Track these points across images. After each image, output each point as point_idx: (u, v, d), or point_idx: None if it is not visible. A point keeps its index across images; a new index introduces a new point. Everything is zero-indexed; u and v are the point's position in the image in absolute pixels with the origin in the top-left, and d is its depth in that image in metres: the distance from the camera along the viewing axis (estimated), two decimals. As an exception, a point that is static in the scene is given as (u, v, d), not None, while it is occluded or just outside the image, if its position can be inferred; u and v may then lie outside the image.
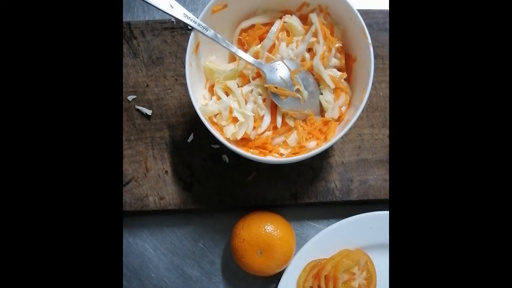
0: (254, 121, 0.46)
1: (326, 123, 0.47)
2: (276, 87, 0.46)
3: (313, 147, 0.46)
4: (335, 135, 0.45)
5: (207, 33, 0.45)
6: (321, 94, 0.48)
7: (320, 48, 0.47)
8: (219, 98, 0.47)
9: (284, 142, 0.47)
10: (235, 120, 0.46)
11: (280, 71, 0.46)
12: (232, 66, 0.49)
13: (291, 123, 0.47)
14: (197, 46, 0.46)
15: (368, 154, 0.53)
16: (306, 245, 0.51)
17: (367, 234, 0.52)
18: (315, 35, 0.47)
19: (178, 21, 0.44)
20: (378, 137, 0.53)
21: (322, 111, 0.48)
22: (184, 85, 0.45)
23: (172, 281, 0.54)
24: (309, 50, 0.48)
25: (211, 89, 0.49)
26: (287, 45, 0.47)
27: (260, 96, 0.47)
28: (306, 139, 0.47)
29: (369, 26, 0.46)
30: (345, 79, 0.48)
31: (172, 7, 0.44)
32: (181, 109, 0.54)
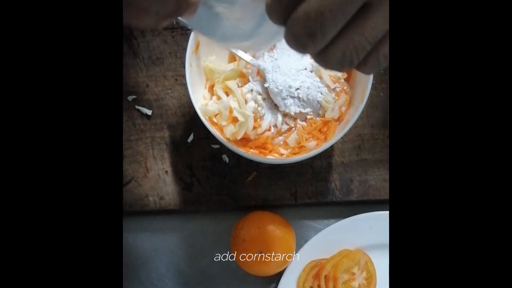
0: (254, 121, 0.46)
1: (326, 123, 0.47)
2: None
3: (313, 147, 0.46)
4: (335, 135, 0.45)
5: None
6: (321, 94, 0.48)
7: (320, 48, 0.47)
8: (219, 98, 0.47)
9: (284, 142, 0.47)
10: (235, 120, 0.46)
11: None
12: (232, 66, 0.49)
13: (291, 123, 0.47)
14: (197, 46, 0.46)
15: (368, 154, 0.53)
16: (306, 245, 0.51)
17: (367, 234, 0.52)
18: (315, 35, 0.47)
19: (178, 21, 0.44)
20: (378, 137, 0.53)
21: (322, 111, 0.48)
22: (184, 85, 0.45)
23: (172, 281, 0.54)
24: (309, 50, 0.48)
25: (211, 89, 0.49)
26: (287, 45, 0.47)
27: (260, 96, 0.47)
28: (306, 139, 0.47)
29: (369, 26, 0.46)
30: (345, 79, 0.48)
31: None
32: (181, 109, 0.54)
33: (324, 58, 0.25)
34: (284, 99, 0.46)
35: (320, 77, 0.47)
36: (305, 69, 0.47)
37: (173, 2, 0.25)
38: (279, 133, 0.47)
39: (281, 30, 0.27)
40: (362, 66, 0.25)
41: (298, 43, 0.24)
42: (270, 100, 0.47)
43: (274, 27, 0.28)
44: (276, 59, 0.47)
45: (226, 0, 0.27)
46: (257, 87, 0.47)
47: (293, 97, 0.46)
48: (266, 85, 0.46)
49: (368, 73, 0.26)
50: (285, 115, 0.47)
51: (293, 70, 0.46)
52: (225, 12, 0.28)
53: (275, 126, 0.47)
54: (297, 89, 0.46)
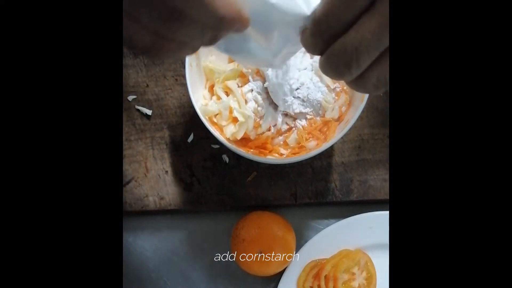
0: (254, 121, 0.46)
1: (326, 123, 0.47)
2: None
3: (313, 147, 0.46)
4: (335, 135, 0.45)
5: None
6: (321, 94, 0.48)
7: (320, 48, 0.47)
8: (219, 98, 0.47)
9: (284, 142, 0.47)
10: (235, 120, 0.46)
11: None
12: (232, 66, 0.49)
13: (291, 123, 0.47)
14: (197, 46, 0.46)
15: (368, 154, 0.53)
16: (306, 245, 0.51)
17: (367, 234, 0.52)
18: (315, 35, 0.47)
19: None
20: (378, 137, 0.53)
21: (322, 111, 0.48)
22: (184, 85, 0.45)
23: (172, 281, 0.54)
24: (309, 50, 0.48)
25: (211, 89, 0.49)
26: (287, 45, 0.47)
27: (260, 96, 0.47)
28: (306, 139, 0.47)
29: (369, 26, 0.46)
30: (345, 79, 0.48)
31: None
32: (181, 109, 0.54)
33: (359, 83, 0.27)
34: (284, 99, 0.46)
35: (320, 77, 0.47)
36: (305, 69, 0.47)
37: (210, 34, 0.26)
38: (279, 133, 0.47)
39: (297, 48, 0.29)
40: None
41: (335, 72, 0.26)
42: (270, 100, 0.47)
43: (293, 47, 0.30)
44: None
45: (263, 31, 0.28)
46: (257, 87, 0.47)
47: (293, 97, 0.46)
48: (266, 85, 0.46)
49: None
50: (285, 115, 0.47)
51: (293, 70, 0.46)
52: (255, 36, 0.29)
53: (275, 126, 0.47)
54: (297, 89, 0.46)
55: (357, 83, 0.27)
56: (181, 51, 0.27)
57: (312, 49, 0.27)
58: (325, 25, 0.25)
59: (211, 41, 0.27)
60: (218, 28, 0.26)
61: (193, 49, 0.28)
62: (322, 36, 0.25)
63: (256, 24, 0.28)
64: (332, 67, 0.26)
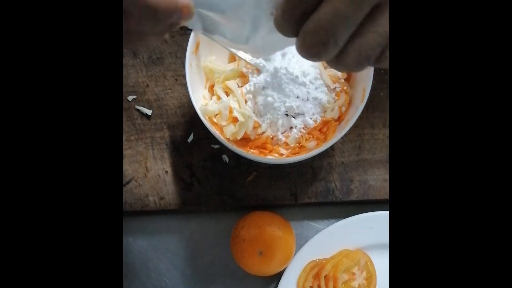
0: (254, 121, 0.46)
1: (326, 123, 0.47)
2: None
3: (313, 147, 0.46)
4: (335, 135, 0.45)
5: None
6: (321, 93, 0.48)
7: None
8: (219, 98, 0.47)
9: (284, 142, 0.47)
10: (235, 120, 0.46)
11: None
12: (232, 66, 0.49)
13: (291, 123, 0.47)
14: (197, 46, 0.46)
15: (368, 154, 0.53)
16: (306, 245, 0.51)
17: (367, 234, 0.52)
18: (315, 35, 0.47)
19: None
20: (378, 137, 0.53)
21: (322, 111, 0.48)
22: (184, 85, 0.45)
23: (172, 281, 0.54)
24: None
25: (211, 89, 0.49)
26: (287, 45, 0.47)
27: (260, 96, 0.47)
28: (306, 139, 0.47)
29: (369, 26, 0.45)
30: (345, 79, 0.48)
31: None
32: (181, 109, 0.54)
33: (340, 61, 0.25)
34: (284, 98, 0.46)
35: (321, 77, 0.47)
36: (305, 68, 0.47)
37: (165, 23, 0.26)
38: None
39: (284, 37, 0.28)
40: (380, 60, 0.25)
41: (312, 52, 0.24)
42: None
43: (274, 34, 0.28)
44: (275, 59, 0.47)
45: (216, 9, 0.28)
46: (257, 87, 0.47)
47: (293, 97, 0.46)
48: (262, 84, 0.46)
49: (387, 66, 0.25)
50: (285, 115, 0.47)
51: (294, 70, 0.46)
52: (218, 18, 0.29)
53: (275, 126, 0.47)
54: (298, 88, 0.46)
55: (337, 62, 0.25)
56: (144, 40, 0.27)
57: (284, 30, 0.25)
58: (296, 1, 0.23)
59: (170, 28, 0.27)
60: (157, 19, 0.25)
61: (157, 37, 0.28)
62: (293, 14, 0.23)
63: (213, 8, 0.27)
64: (308, 47, 0.24)
